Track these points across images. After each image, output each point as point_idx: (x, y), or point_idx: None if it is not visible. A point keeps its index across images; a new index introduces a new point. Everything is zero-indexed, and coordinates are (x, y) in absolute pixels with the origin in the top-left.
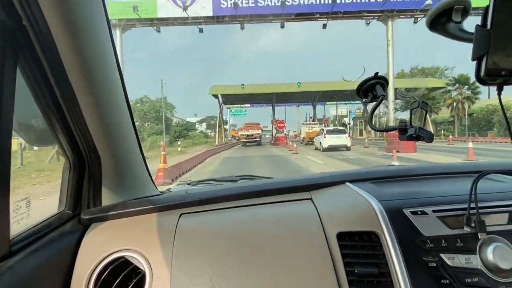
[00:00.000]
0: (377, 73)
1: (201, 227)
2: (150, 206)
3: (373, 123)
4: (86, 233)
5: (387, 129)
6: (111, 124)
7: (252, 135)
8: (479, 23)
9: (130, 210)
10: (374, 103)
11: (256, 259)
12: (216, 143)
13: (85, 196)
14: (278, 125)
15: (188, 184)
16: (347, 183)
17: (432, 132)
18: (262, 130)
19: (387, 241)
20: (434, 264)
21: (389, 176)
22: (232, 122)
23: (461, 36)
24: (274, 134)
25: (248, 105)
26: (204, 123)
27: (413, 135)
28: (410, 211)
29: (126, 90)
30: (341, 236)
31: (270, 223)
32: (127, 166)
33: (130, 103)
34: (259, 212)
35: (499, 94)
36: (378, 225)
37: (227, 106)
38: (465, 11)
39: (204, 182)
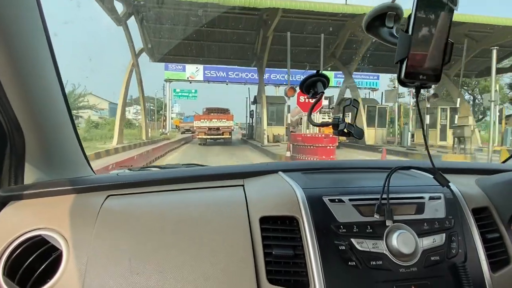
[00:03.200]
0: (319, 70)
1: (126, 209)
2: (76, 186)
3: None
4: (2, 210)
5: (323, 124)
6: (36, 97)
7: (218, 128)
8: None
9: (53, 189)
10: (314, 99)
11: (178, 241)
12: (144, 137)
13: (6, 172)
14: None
15: (130, 169)
16: (280, 172)
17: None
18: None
19: (304, 225)
20: (344, 247)
21: (318, 168)
22: (178, 110)
23: (390, 40)
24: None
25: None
26: (132, 107)
27: (344, 130)
28: (328, 199)
29: (56, 62)
30: (263, 220)
31: (197, 207)
32: (55, 143)
33: None
34: (189, 197)
35: (417, 96)
36: (298, 210)
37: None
38: (398, 18)
39: (147, 168)
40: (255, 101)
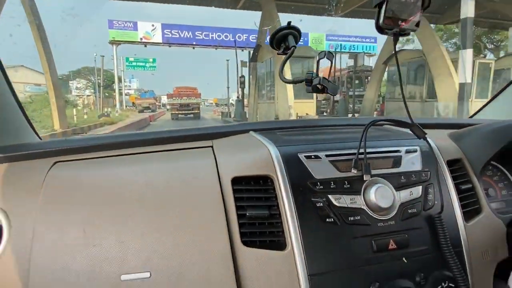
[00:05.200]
0: (290, 22)
1: (76, 177)
2: (17, 153)
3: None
4: None
5: (295, 81)
6: None
7: (188, 104)
8: None
9: None
10: (286, 54)
11: (141, 208)
12: (57, 126)
13: None
14: None
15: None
16: (251, 132)
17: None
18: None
19: (280, 184)
20: (321, 204)
21: (292, 127)
22: (136, 85)
23: None
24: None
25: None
26: (75, 81)
27: (318, 86)
28: (304, 155)
29: None
30: (236, 181)
31: (161, 171)
32: None
33: None
34: (151, 161)
35: (395, 44)
36: (273, 169)
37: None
38: None
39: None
40: (253, 59)
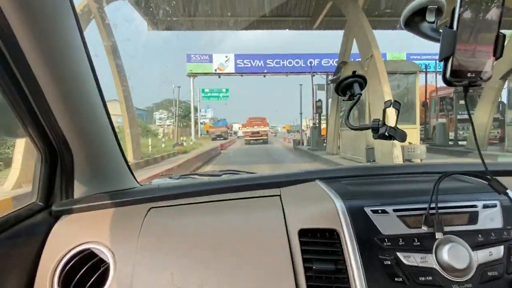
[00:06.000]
0: (355, 71)
1: (166, 222)
2: (121, 200)
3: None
4: (55, 225)
5: (361, 128)
6: (82, 116)
7: (258, 132)
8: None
9: (100, 203)
10: (351, 101)
11: (218, 255)
12: (131, 157)
13: (57, 188)
14: None
15: (170, 177)
16: (317, 181)
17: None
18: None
19: (346, 238)
20: (389, 262)
21: (358, 175)
22: (211, 115)
23: (433, 36)
24: None
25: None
26: (158, 112)
27: (385, 134)
28: (371, 210)
29: (98, 81)
30: (302, 233)
31: (235, 219)
32: (101, 158)
33: None
34: (227, 209)
35: (465, 95)
36: (338, 222)
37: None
38: (439, 12)
39: (187, 176)
40: (334, 80)
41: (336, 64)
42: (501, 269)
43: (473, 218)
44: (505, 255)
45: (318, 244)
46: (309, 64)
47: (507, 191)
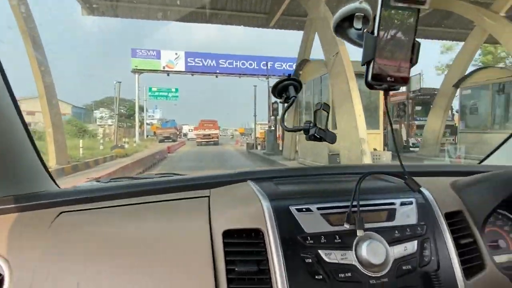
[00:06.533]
0: (290, 74)
1: (78, 228)
2: (28, 203)
3: None
4: None
5: (294, 129)
6: None
7: (209, 134)
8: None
9: (3, 207)
10: (286, 104)
11: (133, 262)
12: (52, 161)
13: None
14: None
15: (98, 181)
16: (249, 181)
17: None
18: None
19: (270, 238)
20: (311, 260)
21: (290, 175)
22: (159, 115)
23: (359, 42)
24: None
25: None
26: (99, 110)
27: (315, 135)
28: (296, 208)
29: (4, 72)
30: (227, 234)
31: (156, 223)
32: (8, 158)
33: None
34: (148, 212)
35: (385, 99)
36: (264, 222)
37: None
38: (366, 19)
39: (117, 179)
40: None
41: (291, 68)
42: (415, 263)
43: (391, 215)
44: (419, 249)
45: (242, 245)
46: (263, 67)
47: (421, 189)
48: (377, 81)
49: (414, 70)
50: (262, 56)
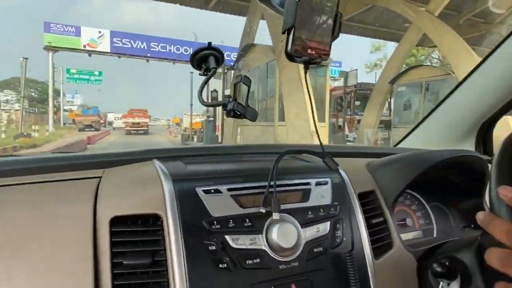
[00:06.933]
0: (210, 42)
1: None
2: None
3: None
4: None
5: (213, 104)
6: None
7: (139, 123)
8: None
9: None
10: (206, 76)
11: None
12: None
13: None
14: None
15: None
16: (155, 160)
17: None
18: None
19: (169, 224)
20: (214, 247)
21: (202, 154)
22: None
23: (281, 9)
24: None
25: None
26: (3, 93)
27: (233, 110)
28: (202, 190)
29: None
30: (116, 222)
31: (32, 209)
32: None
33: None
34: (15, 196)
35: (305, 72)
36: (163, 206)
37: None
38: None
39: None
40: (237, 66)
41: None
42: (326, 245)
43: (306, 195)
44: (331, 230)
45: (135, 234)
46: (183, 52)
47: (338, 168)
48: (298, 52)
49: (350, 66)
50: (200, 42)
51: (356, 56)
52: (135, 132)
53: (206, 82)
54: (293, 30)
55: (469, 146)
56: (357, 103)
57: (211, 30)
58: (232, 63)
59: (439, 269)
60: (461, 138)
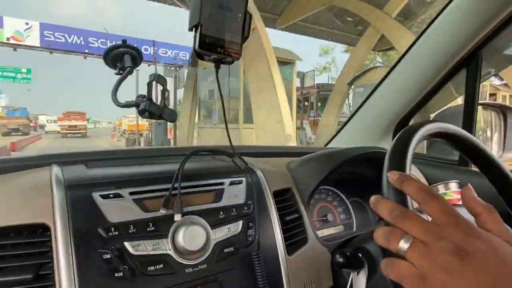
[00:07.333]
0: (125, 40)
1: None
2: None
3: None
4: None
5: (127, 104)
6: None
7: (76, 126)
8: None
9: None
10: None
11: None
12: None
13: None
14: None
15: None
16: (54, 166)
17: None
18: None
19: (57, 234)
20: (109, 256)
21: (108, 158)
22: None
23: (188, 3)
24: None
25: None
26: None
27: (146, 110)
28: (100, 195)
29: None
30: None
31: None
32: None
33: None
34: None
35: (217, 71)
36: (51, 215)
37: None
38: None
39: None
40: (192, 63)
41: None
42: (238, 244)
43: (218, 196)
44: (243, 229)
45: (20, 247)
46: (146, 52)
47: (253, 168)
48: (206, 50)
49: (307, 67)
50: (145, 40)
51: (307, 57)
52: (72, 136)
53: (121, 82)
54: (200, 27)
55: (388, 143)
56: (320, 104)
57: (157, 27)
58: (181, 62)
59: (340, 260)
60: (380, 136)
